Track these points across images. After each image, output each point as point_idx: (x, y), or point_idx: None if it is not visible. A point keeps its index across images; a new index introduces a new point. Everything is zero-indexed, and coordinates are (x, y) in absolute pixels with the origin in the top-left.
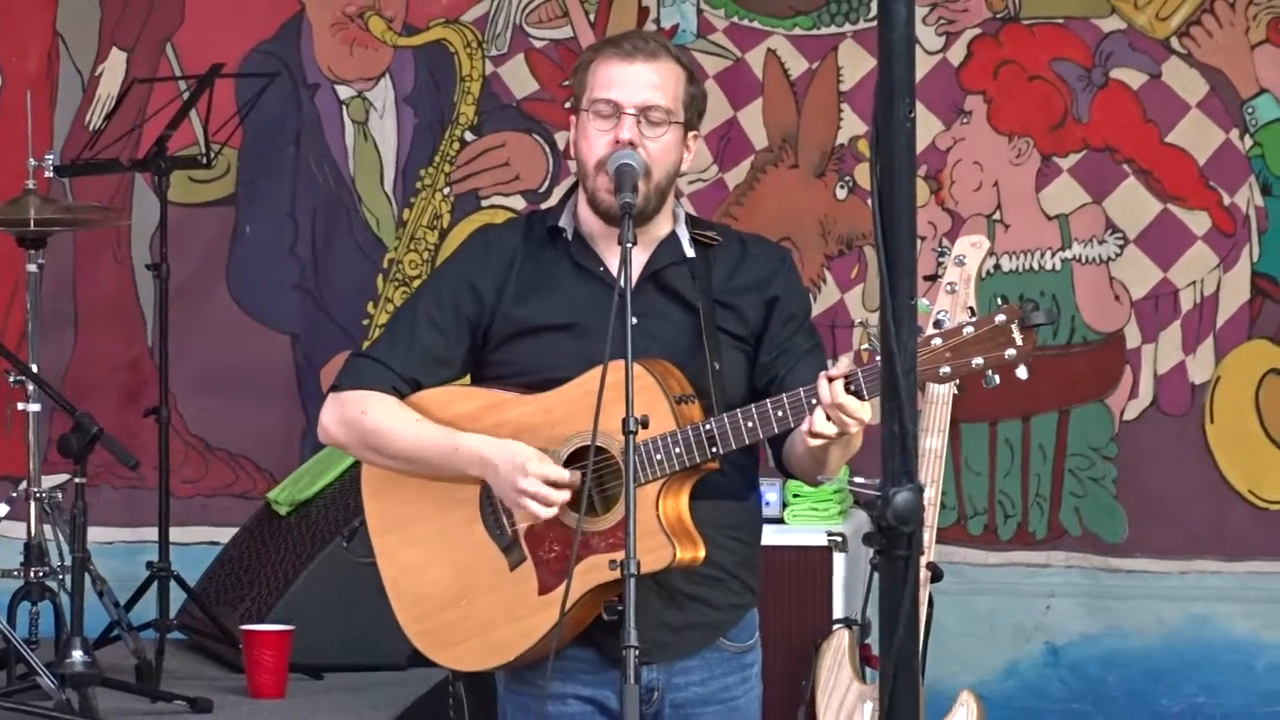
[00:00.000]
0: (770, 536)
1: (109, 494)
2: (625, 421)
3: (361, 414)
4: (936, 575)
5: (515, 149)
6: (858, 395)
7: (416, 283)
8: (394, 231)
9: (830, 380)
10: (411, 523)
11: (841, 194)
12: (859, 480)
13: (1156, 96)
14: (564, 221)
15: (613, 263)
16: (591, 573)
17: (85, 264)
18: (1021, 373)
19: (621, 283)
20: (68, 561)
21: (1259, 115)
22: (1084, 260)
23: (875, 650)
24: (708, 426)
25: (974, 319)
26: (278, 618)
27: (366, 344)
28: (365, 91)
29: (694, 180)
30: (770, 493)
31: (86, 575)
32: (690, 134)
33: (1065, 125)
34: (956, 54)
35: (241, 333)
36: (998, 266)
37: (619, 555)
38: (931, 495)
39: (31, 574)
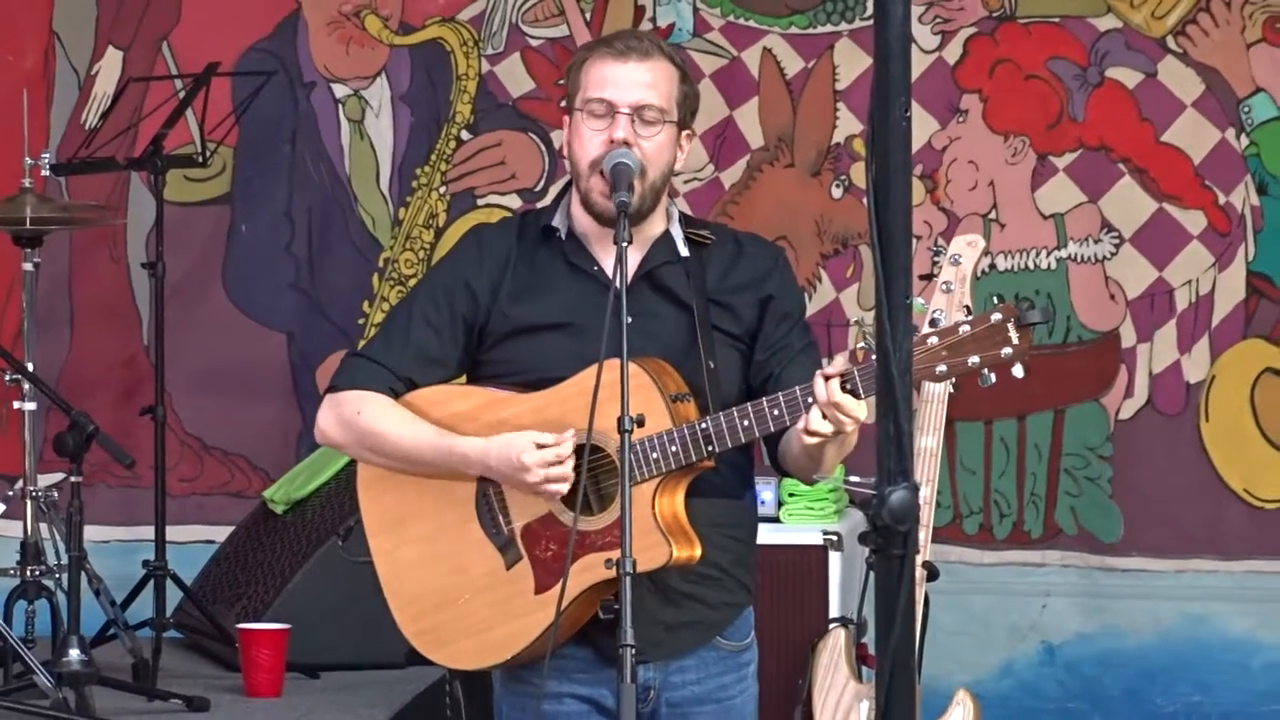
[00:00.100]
0: (766, 535)
1: (105, 493)
2: (621, 420)
3: (357, 414)
4: (932, 574)
5: (511, 148)
6: (854, 394)
7: (412, 282)
8: (390, 230)
9: (826, 379)
10: (408, 522)
11: (837, 193)
12: (855, 479)
13: (1152, 95)
14: (558, 221)
15: (607, 262)
16: (588, 571)
17: (81, 263)
18: (1017, 371)
19: (617, 282)
20: (64, 560)
21: (1255, 114)
22: (1079, 259)
23: (871, 649)
24: (703, 425)
25: (970, 318)
26: (274, 616)
27: (362, 343)
28: (361, 90)
29: (690, 179)
30: (766, 492)
31: (83, 574)
32: (684, 133)
33: (1061, 124)
34: (952, 53)
35: (237, 331)
36: (993, 266)
37: (615, 554)
38: (927, 494)
39: (28, 573)
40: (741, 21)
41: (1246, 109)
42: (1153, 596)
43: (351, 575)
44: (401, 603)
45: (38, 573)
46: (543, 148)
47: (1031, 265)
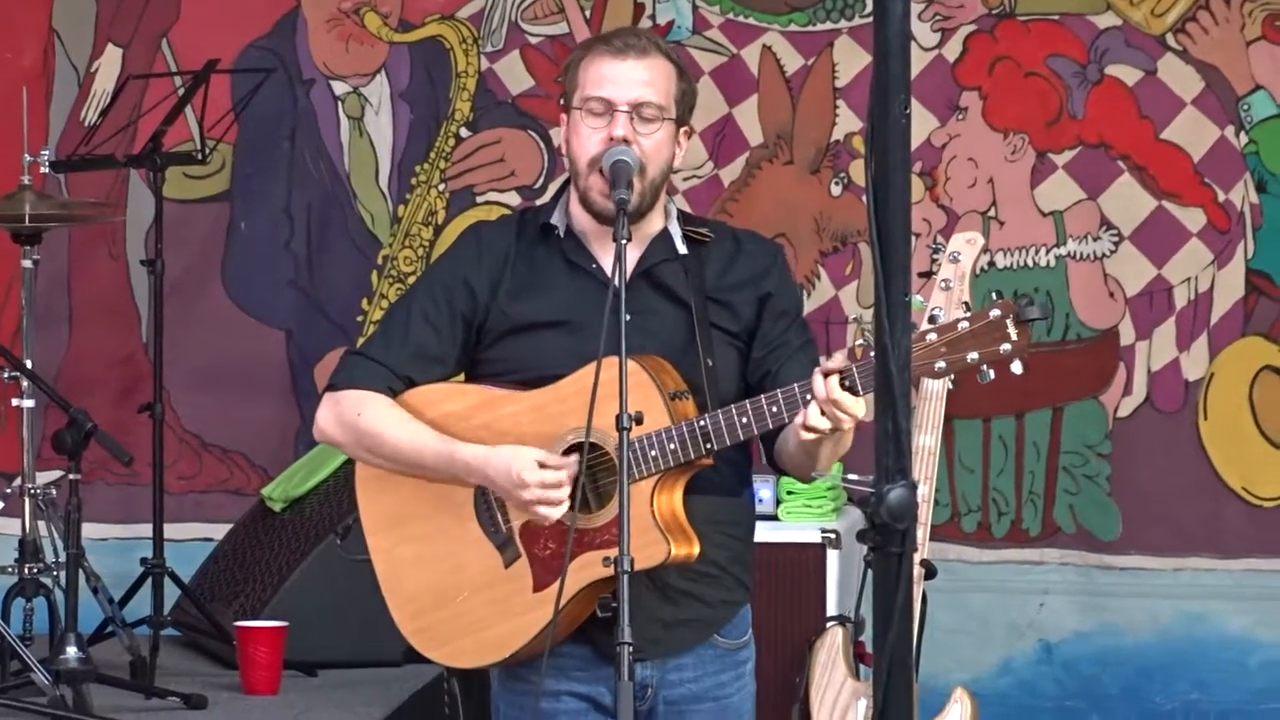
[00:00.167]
0: (764, 533)
1: (103, 490)
2: (619, 418)
3: (357, 415)
4: (930, 572)
5: (510, 145)
6: (852, 391)
7: (411, 279)
8: (389, 228)
9: (825, 375)
10: (406, 520)
11: (836, 190)
12: (853, 477)
13: (1152, 93)
14: (556, 219)
15: (605, 260)
16: (586, 570)
17: (80, 260)
18: (1016, 368)
19: (616, 279)
20: (62, 558)
21: (1254, 112)
22: (1078, 257)
23: (869, 647)
24: (702, 422)
25: (969, 314)
26: (272, 614)
27: (361, 341)
28: (361, 87)
29: (689, 176)
30: (764, 490)
31: (81, 571)
32: (682, 129)
33: (1060, 122)
34: (952, 50)
35: (236, 329)
36: (992, 263)
37: (613, 552)
38: (925, 492)
39: (26, 570)
40: (741, 19)
41: (1246, 106)
42: (1151, 595)
43: (349, 573)
44: (400, 601)
45: (36, 570)
46: (542, 145)
47: (1030, 263)
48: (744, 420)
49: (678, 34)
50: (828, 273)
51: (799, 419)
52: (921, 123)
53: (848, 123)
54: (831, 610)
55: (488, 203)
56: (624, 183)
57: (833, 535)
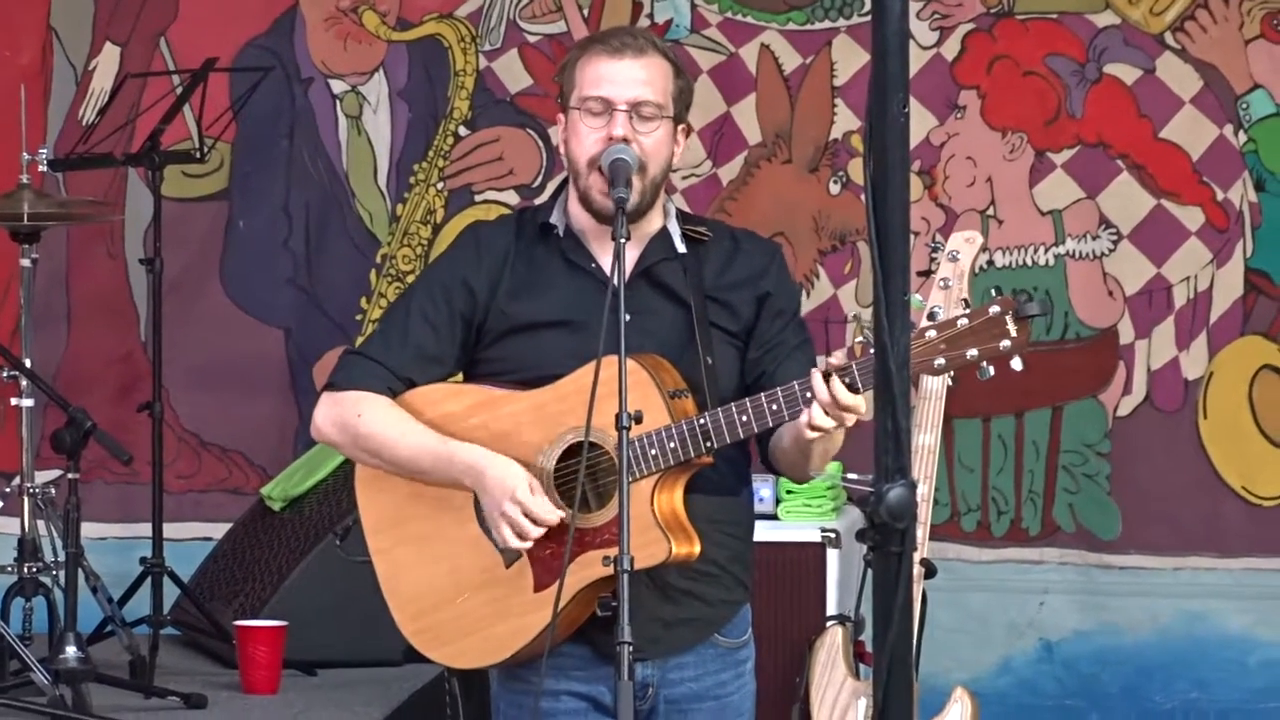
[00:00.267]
0: (764, 533)
1: (102, 489)
2: (619, 416)
3: (356, 417)
4: (930, 571)
5: (509, 144)
6: (852, 388)
7: (410, 278)
8: (387, 226)
9: (826, 375)
10: (406, 520)
11: (835, 189)
12: (852, 476)
13: (1150, 92)
14: (555, 218)
15: (604, 259)
16: (586, 569)
17: (78, 258)
18: (1016, 364)
19: (615, 279)
20: (61, 557)
21: (1253, 111)
22: (1077, 256)
23: (869, 647)
24: (702, 421)
25: (968, 310)
26: (271, 613)
27: (360, 340)
28: (359, 86)
29: (688, 175)
30: (764, 489)
31: (80, 571)
32: (680, 127)
33: (1059, 120)
34: (950, 49)
35: (235, 328)
36: (991, 262)
37: (613, 551)
38: (925, 491)
39: (25, 570)
40: (739, 17)
41: (1244, 105)
42: (1151, 594)
43: (349, 572)
44: (400, 602)
45: (35, 570)
46: (540, 144)
47: (1029, 261)
48: (744, 418)
49: (676, 32)
50: (826, 271)
51: (801, 418)
52: (920, 121)
53: (846, 121)
54: (831, 609)
55: (486, 201)
56: (623, 181)
57: (833, 534)
